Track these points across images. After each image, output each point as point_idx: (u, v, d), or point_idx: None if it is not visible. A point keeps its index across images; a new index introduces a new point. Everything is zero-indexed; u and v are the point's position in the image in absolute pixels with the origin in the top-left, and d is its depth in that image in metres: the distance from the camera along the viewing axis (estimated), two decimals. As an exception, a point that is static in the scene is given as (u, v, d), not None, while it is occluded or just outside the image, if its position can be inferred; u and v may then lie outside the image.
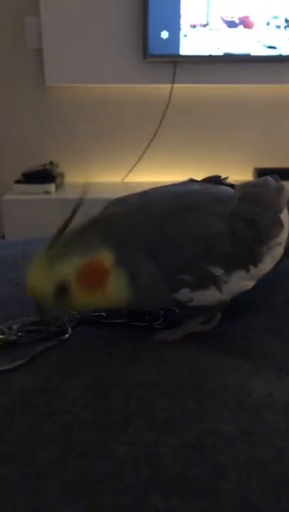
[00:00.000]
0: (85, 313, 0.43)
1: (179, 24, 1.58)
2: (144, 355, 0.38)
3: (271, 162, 1.76)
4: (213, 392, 0.33)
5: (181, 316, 0.43)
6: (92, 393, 0.33)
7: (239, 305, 0.43)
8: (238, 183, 0.47)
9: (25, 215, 1.50)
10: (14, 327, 0.41)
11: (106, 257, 0.36)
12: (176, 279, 0.38)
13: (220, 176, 0.48)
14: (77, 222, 0.37)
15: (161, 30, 1.57)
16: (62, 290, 0.36)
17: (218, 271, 0.39)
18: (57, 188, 1.60)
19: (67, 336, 0.40)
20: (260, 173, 1.70)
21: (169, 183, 0.45)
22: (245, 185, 0.46)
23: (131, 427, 0.30)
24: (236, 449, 0.29)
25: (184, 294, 0.38)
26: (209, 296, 0.39)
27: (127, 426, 0.30)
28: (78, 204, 0.36)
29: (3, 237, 1.55)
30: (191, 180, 0.48)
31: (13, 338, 0.40)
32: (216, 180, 0.48)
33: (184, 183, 0.46)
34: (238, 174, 1.73)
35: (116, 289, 0.37)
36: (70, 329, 0.41)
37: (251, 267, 0.41)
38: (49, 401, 0.33)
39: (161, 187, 0.44)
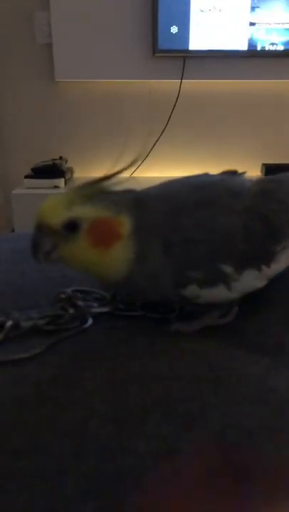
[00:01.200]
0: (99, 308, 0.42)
1: (189, 19, 1.56)
2: (161, 347, 0.37)
3: (280, 158, 1.74)
4: (233, 386, 0.33)
5: (197, 309, 0.42)
6: (109, 386, 0.32)
7: (254, 299, 0.42)
8: (254, 178, 0.46)
9: (35, 209, 1.49)
10: (27, 316, 0.40)
11: (125, 223, 0.35)
12: (184, 274, 0.37)
13: (236, 171, 0.47)
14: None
15: (171, 25, 1.56)
16: (70, 228, 0.35)
17: (228, 269, 0.38)
18: (66, 182, 1.59)
19: (87, 325, 0.40)
20: (269, 168, 1.68)
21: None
22: (263, 180, 0.45)
23: (149, 421, 0.29)
24: (259, 446, 0.28)
25: (191, 290, 0.37)
26: (217, 293, 0.38)
27: (146, 420, 0.29)
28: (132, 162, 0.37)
29: (13, 231, 1.55)
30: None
31: (28, 325, 0.39)
32: (232, 174, 0.47)
33: (201, 175, 0.45)
34: (246, 170, 1.71)
35: (119, 257, 0.36)
36: (90, 319, 0.40)
37: (264, 267, 0.40)
38: (65, 393, 0.32)
39: (180, 178, 0.43)
